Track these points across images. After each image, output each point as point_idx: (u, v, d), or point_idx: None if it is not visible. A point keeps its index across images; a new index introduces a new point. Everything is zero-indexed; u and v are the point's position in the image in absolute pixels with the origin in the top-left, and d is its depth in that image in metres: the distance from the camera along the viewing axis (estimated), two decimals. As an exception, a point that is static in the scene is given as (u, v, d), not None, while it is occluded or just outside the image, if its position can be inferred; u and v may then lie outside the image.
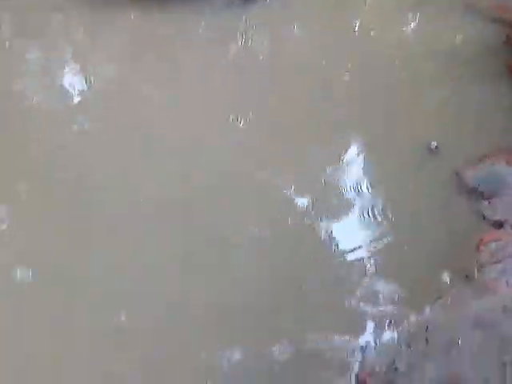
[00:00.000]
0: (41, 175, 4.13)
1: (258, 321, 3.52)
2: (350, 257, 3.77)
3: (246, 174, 4.10)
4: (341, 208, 3.95)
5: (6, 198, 4.01)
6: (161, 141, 4.28)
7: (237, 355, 3.39)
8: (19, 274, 3.71)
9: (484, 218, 3.82)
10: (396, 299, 3.58)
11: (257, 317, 3.53)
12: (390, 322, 3.48)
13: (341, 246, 3.81)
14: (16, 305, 3.61)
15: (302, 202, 3.97)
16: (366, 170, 4.12)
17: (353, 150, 4.20)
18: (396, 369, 3.25)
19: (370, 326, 3.49)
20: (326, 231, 3.84)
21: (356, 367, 3.29)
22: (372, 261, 3.74)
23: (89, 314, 3.57)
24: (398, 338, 3.40)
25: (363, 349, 3.37)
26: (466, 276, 3.59)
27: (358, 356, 3.33)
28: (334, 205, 3.96)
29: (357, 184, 4.04)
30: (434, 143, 4.06)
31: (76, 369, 3.39)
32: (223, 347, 3.42)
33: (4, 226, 3.89)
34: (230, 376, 3.35)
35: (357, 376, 3.27)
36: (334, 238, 3.83)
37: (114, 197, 4.01)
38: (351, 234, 3.88)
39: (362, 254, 3.78)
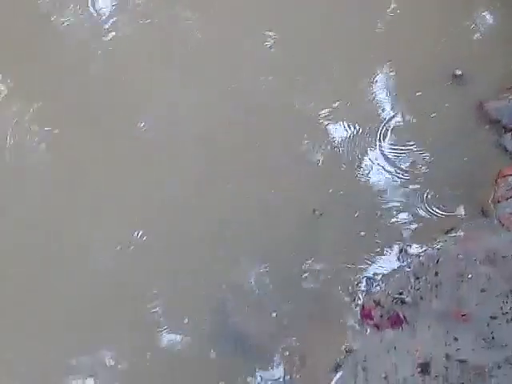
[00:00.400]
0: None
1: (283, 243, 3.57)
2: (374, 182, 3.74)
3: (280, 94, 4.02)
4: (369, 136, 3.87)
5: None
6: (196, 61, 4.17)
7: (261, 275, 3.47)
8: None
9: (506, 150, 3.71)
10: (409, 229, 3.56)
11: (281, 240, 3.57)
12: (400, 251, 3.46)
13: (364, 173, 3.77)
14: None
15: (334, 126, 3.90)
16: (390, 96, 4.01)
17: (378, 76, 4.08)
18: (402, 301, 3.25)
19: (380, 256, 3.48)
20: (355, 157, 3.80)
21: (361, 298, 3.31)
22: (391, 185, 3.72)
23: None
24: (407, 270, 3.39)
25: (369, 279, 3.37)
26: (482, 210, 3.54)
27: (364, 287, 3.34)
28: (363, 131, 3.88)
29: (382, 112, 3.95)
30: (459, 71, 3.92)
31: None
32: (249, 266, 3.50)
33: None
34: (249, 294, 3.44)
35: (362, 307, 3.28)
36: (360, 163, 3.79)
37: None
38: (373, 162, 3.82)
39: (381, 180, 3.75)
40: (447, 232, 3.49)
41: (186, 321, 3.35)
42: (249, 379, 3.15)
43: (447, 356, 3.07)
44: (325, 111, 3.92)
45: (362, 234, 3.53)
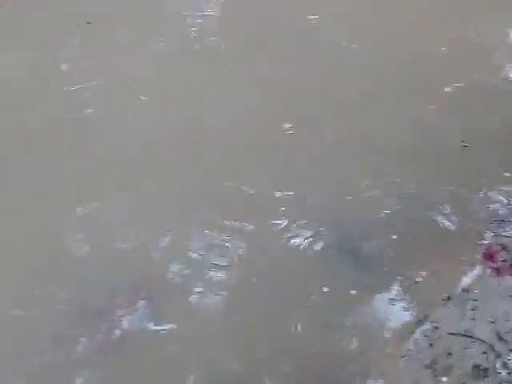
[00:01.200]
0: None
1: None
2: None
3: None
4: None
5: None
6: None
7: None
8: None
9: None
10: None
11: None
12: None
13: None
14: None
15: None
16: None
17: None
18: (531, 251, 3.12)
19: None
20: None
21: (488, 239, 3.20)
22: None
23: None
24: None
25: (502, 222, 3.23)
26: None
27: (494, 228, 3.23)
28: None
29: None
30: None
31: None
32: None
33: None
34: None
35: (487, 247, 3.17)
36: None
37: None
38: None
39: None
40: None
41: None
42: (352, 292, 3.15)
43: None
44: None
45: (507, 174, 3.39)
